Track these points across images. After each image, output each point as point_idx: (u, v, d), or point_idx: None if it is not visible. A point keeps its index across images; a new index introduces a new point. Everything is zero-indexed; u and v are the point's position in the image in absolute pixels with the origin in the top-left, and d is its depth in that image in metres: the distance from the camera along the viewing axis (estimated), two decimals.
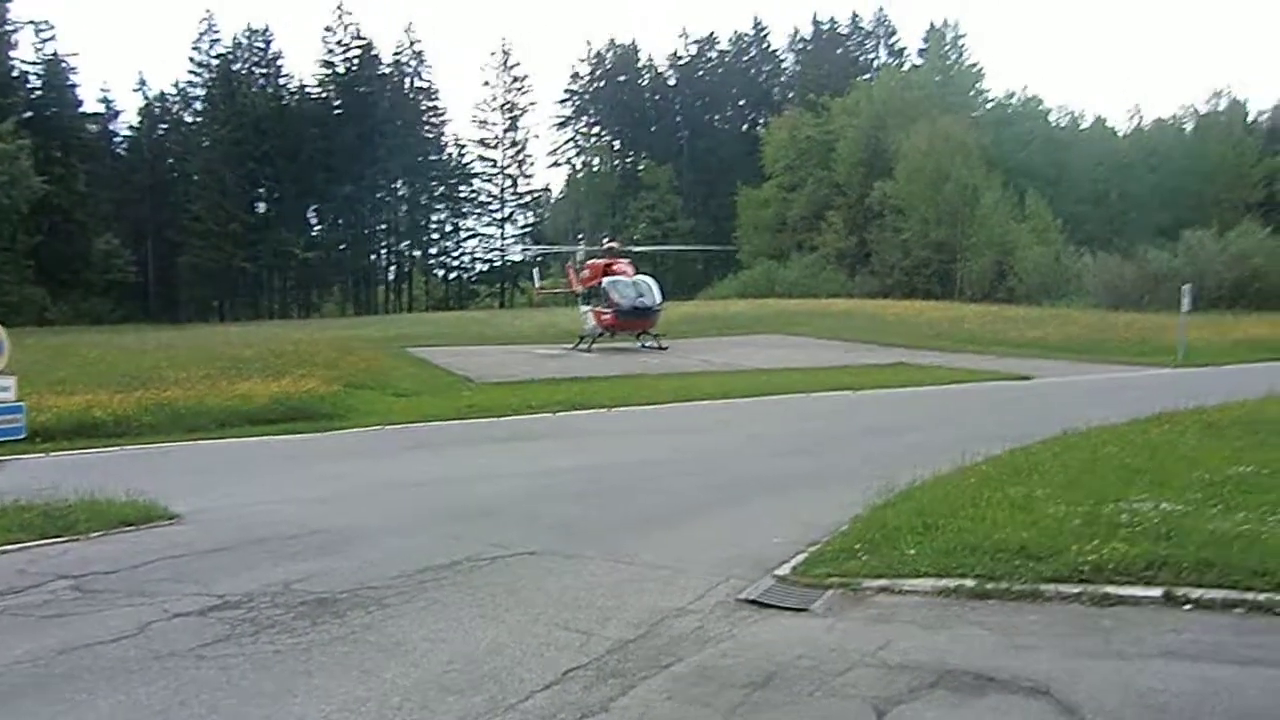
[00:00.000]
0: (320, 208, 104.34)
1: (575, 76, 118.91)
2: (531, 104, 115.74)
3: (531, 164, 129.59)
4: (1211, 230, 62.02)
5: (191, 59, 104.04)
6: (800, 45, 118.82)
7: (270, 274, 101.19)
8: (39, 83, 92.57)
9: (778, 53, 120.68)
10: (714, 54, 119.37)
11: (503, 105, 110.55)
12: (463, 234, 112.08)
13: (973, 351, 42.20)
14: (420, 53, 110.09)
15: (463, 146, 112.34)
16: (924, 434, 19.81)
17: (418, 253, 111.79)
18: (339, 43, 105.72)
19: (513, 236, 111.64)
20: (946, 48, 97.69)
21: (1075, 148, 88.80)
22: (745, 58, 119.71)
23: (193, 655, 7.76)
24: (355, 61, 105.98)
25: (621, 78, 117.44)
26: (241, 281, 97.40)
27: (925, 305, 63.13)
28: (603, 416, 25.07)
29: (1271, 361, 35.58)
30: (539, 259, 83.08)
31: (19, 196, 72.68)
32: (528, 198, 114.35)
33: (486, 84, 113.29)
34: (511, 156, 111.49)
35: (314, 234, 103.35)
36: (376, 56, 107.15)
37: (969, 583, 8.67)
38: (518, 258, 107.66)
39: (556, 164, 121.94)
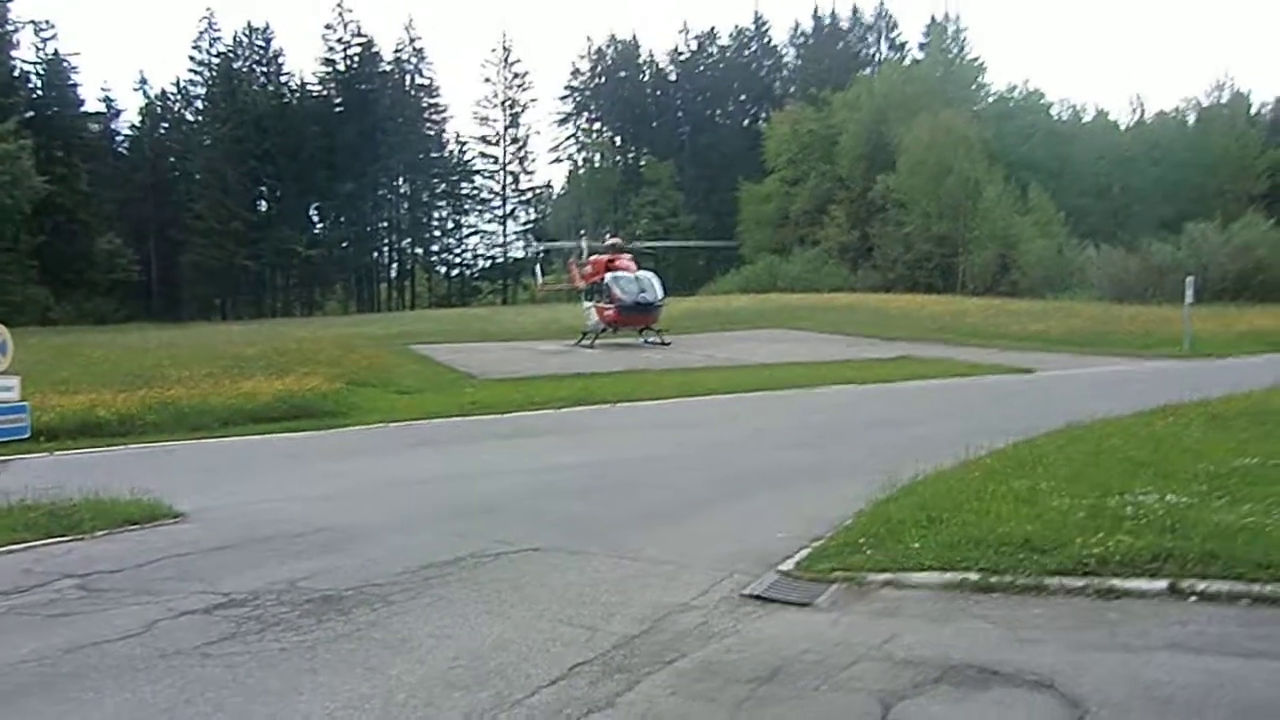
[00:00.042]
0: (322, 205, 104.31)
1: (576, 73, 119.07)
2: (532, 100, 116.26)
3: (533, 160, 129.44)
4: (1215, 222, 61.94)
5: (192, 58, 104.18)
6: (801, 40, 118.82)
7: (273, 272, 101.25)
8: (40, 82, 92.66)
9: (779, 47, 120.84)
10: (715, 49, 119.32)
11: (504, 102, 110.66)
12: (464, 231, 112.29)
13: (976, 345, 42.17)
14: (421, 50, 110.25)
15: (464, 143, 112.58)
16: (927, 427, 19.80)
17: (420, 250, 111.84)
18: (339, 40, 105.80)
19: (514, 233, 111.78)
20: (948, 41, 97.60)
21: (1077, 141, 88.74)
22: (746, 53, 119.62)
23: (198, 653, 7.77)
24: (356, 59, 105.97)
25: (622, 74, 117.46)
26: (244, 280, 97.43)
27: (928, 299, 63.13)
28: (606, 412, 25.09)
29: (1276, 353, 35.58)
30: (541, 254, 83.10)
31: (21, 196, 72.66)
32: (529, 194, 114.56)
33: (487, 81, 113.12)
34: (513, 153, 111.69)
35: (316, 232, 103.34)
36: (377, 54, 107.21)
37: (973, 576, 8.67)
38: (520, 254, 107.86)
39: (558, 160, 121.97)
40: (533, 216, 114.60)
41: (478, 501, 13.85)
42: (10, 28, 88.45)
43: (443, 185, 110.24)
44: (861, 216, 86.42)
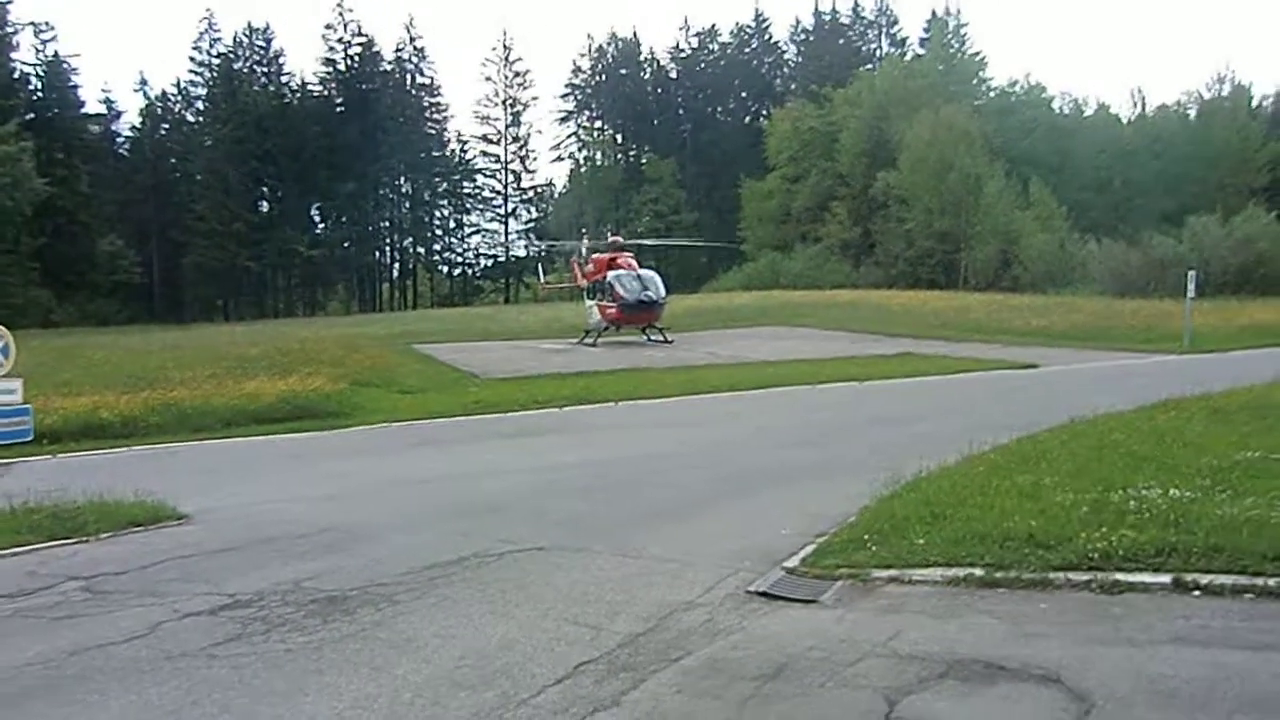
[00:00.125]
0: (323, 205, 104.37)
1: (577, 71, 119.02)
2: (533, 99, 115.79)
3: (534, 159, 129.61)
4: (1216, 216, 61.79)
5: (192, 58, 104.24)
6: (802, 36, 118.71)
7: (275, 273, 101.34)
8: (40, 84, 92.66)
9: (779, 44, 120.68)
10: (715, 46, 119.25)
11: (505, 100, 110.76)
12: (466, 230, 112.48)
13: (978, 340, 42.12)
14: (421, 49, 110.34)
15: (465, 142, 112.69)
16: (931, 424, 19.79)
17: (422, 249, 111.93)
18: (340, 40, 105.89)
19: (516, 232, 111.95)
20: (948, 36, 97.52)
21: (1079, 135, 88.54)
22: (747, 50, 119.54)
23: (204, 655, 7.79)
24: (356, 59, 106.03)
25: (623, 71, 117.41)
26: (246, 280, 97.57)
27: (930, 295, 63.09)
28: (609, 411, 25.08)
29: (1277, 347, 35.48)
30: (543, 253, 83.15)
31: (22, 198, 72.69)
32: (531, 193, 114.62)
33: (488, 79, 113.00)
34: (514, 152, 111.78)
35: (318, 232, 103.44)
36: (378, 53, 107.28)
37: (978, 572, 8.68)
38: (522, 253, 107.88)
39: (559, 159, 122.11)
40: (534, 215, 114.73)
41: (481, 501, 13.85)
42: (10, 29, 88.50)
43: (444, 184, 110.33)
44: (863, 213, 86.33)
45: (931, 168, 76.53)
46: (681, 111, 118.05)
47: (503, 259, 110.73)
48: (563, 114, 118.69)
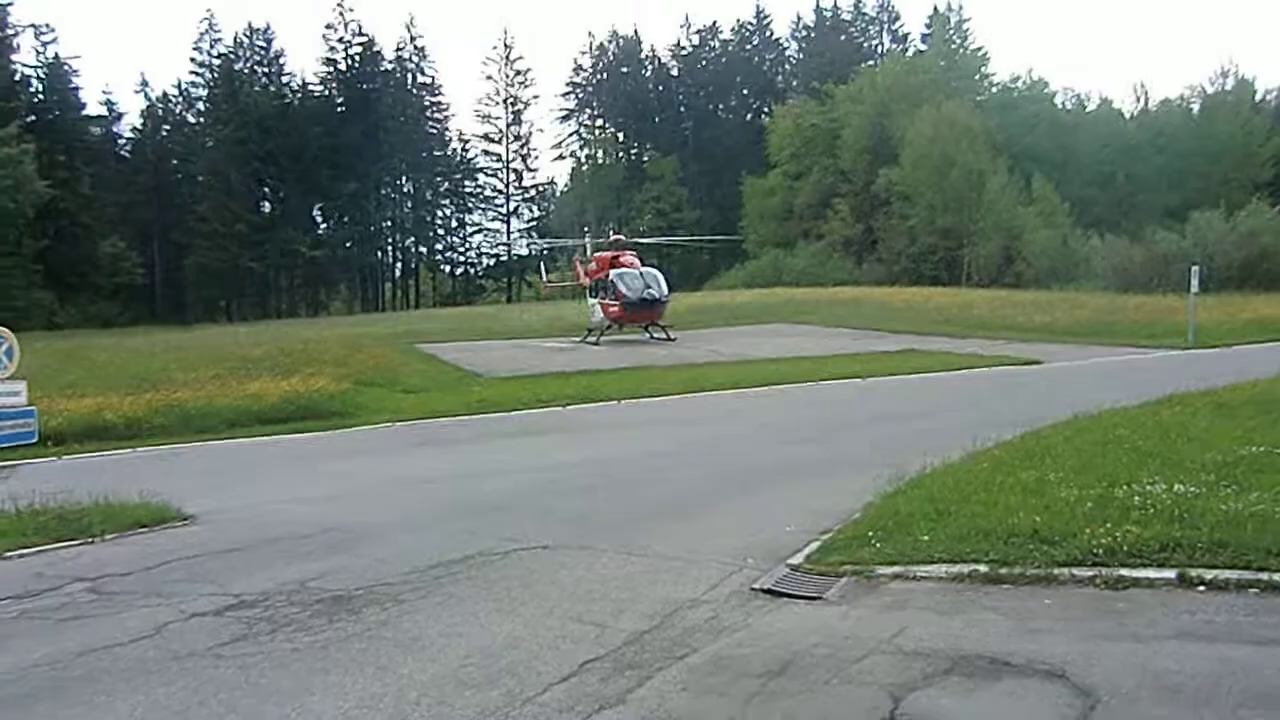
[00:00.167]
0: (325, 206, 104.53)
1: (578, 69, 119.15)
2: (534, 97, 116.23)
3: (536, 158, 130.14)
4: (1220, 210, 61.66)
5: (193, 59, 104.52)
6: (803, 33, 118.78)
7: (277, 273, 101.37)
8: (41, 86, 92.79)
9: (781, 41, 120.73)
10: (717, 43, 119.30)
11: (506, 99, 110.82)
12: (468, 229, 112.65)
13: (981, 337, 42.06)
14: (422, 48, 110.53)
15: (466, 141, 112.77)
16: (934, 420, 19.80)
17: (424, 249, 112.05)
18: (340, 40, 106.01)
19: (518, 231, 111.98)
20: (950, 32, 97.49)
21: (1081, 130, 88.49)
22: (748, 46, 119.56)
23: (210, 655, 7.80)
24: (357, 58, 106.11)
25: (624, 69, 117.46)
26: (249, 281, 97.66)
27: (933, 291, 63.00)
28: (612, 409, 25.11)
29: None
30: (545, 252, 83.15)
31: (23, 200, 72.82)
32: (532, 191, 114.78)
33: (489, 78, 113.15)
34: (515, 150, 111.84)
35: (320, 232, 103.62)
36: (378, 53, 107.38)
37: (982, 568, 8.69)
38: (524, 252, 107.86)
39: (561, 157, 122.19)
40: (536, 214, 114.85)
41: (486, 500, 13.87)
42: (10, 31, 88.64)
43: (446, 184, 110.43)
44: (865, 210, 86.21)
45: (934, 164, 76.44)
46: (683, 109, 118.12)
47: (505, 258, 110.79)
48: (564, 112, 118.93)
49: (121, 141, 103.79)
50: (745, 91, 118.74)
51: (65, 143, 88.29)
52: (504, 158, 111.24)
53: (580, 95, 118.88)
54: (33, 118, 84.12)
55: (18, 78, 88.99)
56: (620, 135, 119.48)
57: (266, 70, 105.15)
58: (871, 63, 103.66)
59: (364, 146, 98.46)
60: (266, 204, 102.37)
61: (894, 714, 6.14)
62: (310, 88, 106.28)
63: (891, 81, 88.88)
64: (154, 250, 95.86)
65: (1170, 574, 8.14)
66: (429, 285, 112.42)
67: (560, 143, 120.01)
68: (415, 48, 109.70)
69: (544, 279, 73.86)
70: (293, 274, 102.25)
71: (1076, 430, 15.02)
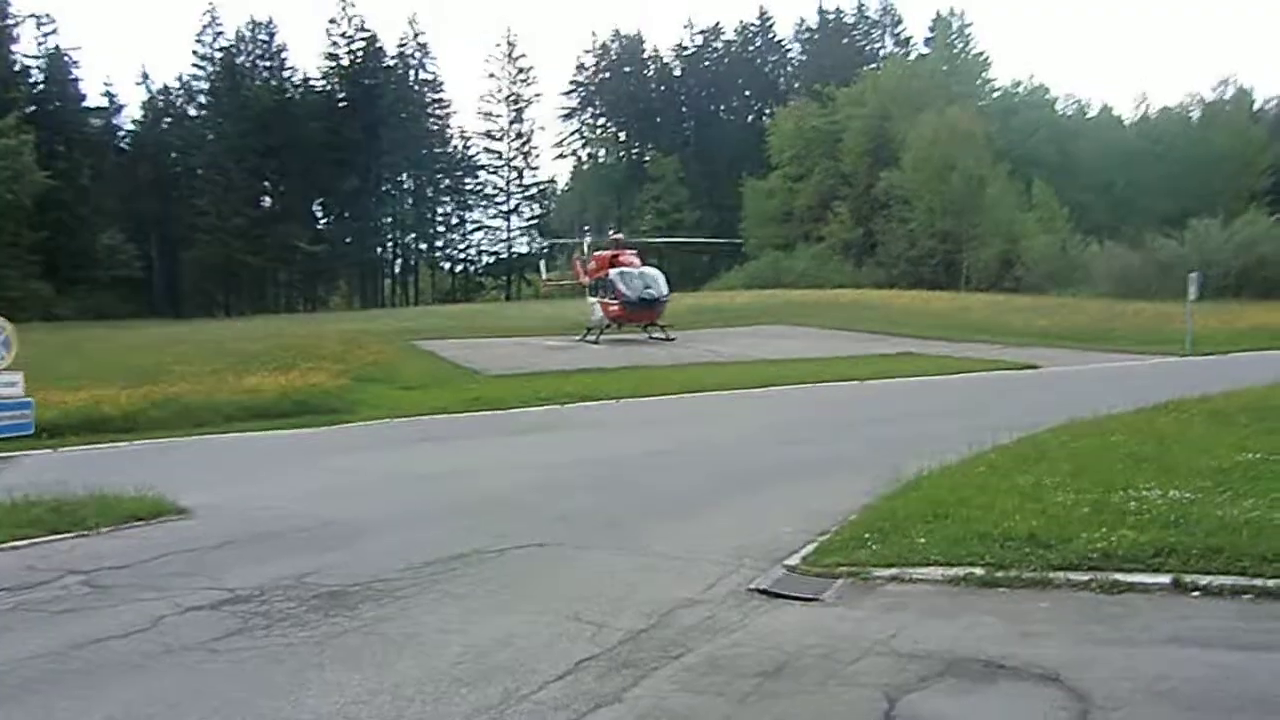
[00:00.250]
0: (325, 201, 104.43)
1: (580, 68, 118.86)
2: (537, 96, 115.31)
3: (537, 156, 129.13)
4: (1218, 218, 61.74)
5: (195, 52, 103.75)
6: (806, 35, 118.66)
7: (276, 268, 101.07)
8: (41, 77, 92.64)
9: (783, 43, 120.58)
10: (719, 44, 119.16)
11: (508, 97, 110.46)
12: (468, 226, 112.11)
13: (980, 341, 42.10)
14: (425, 45, 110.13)
15: (468, 139, 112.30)
16: (932, 423, 19.77)
17: (424, 245, 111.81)
18: (343, 35, 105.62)
19: (518, 229, 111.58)
20: (952, 37, 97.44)
21: (1081, 137, 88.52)
22: (751, 48, 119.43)
23: (205, 649, 7.80)
24: (359, 54, 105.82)
25: (627, 69, 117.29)
26: (247, 276, 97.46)
27: (932, 295, 63.10)
28: (610, 408, 25.12)
29: (1278, 350, 35.47)
30: (545, 250, 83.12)
31: (22, 191, 72.73)
32: (533, 190, 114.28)
33: (491, 76, 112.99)
34: (517, 148, 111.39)
35: (319, 228, 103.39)
36: (381, 49, 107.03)
37: (978, 571, 8.70)
38: (524, 250, 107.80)
39: (562, 156, 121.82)
40: (537, 212, 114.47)
41: (483, 497, 13.89)
42: (11, 22, 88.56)
43: (446, 181, 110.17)
44: (865, 213, 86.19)
45: (934, 168, 76.44)
46: (685, 109, 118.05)
47: (505, 256, 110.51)
48: (566, 111, 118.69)
49: (121, 134, 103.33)
50: (747, 93, 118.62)
51: (65, 134, 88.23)
52: (505, 155, 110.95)
53: (582, 94, 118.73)
54: (33, 108, 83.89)
55: (18, 68, 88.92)
56: (622, 135, 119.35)
57: (268, 65, 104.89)
58: (874, 66, 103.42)
59: (365, 142, 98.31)
60: (266, 199, 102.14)
61: (889, 716, 6.15)
62: (312, 83, 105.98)
63: (893, 85, 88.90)
64: (152, 243, 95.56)
65: (1165, 579, 8.16)
66: (428, 282, 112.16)
67: (562, 141, 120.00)
68: (418, 44, 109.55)
69: (544, 277, 73.87)
70: (291, 269, 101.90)
71: (1073, 435, 15.02)
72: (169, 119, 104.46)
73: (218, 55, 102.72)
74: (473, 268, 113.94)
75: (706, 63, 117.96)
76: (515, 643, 7.70)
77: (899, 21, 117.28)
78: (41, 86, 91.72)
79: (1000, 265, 72.48)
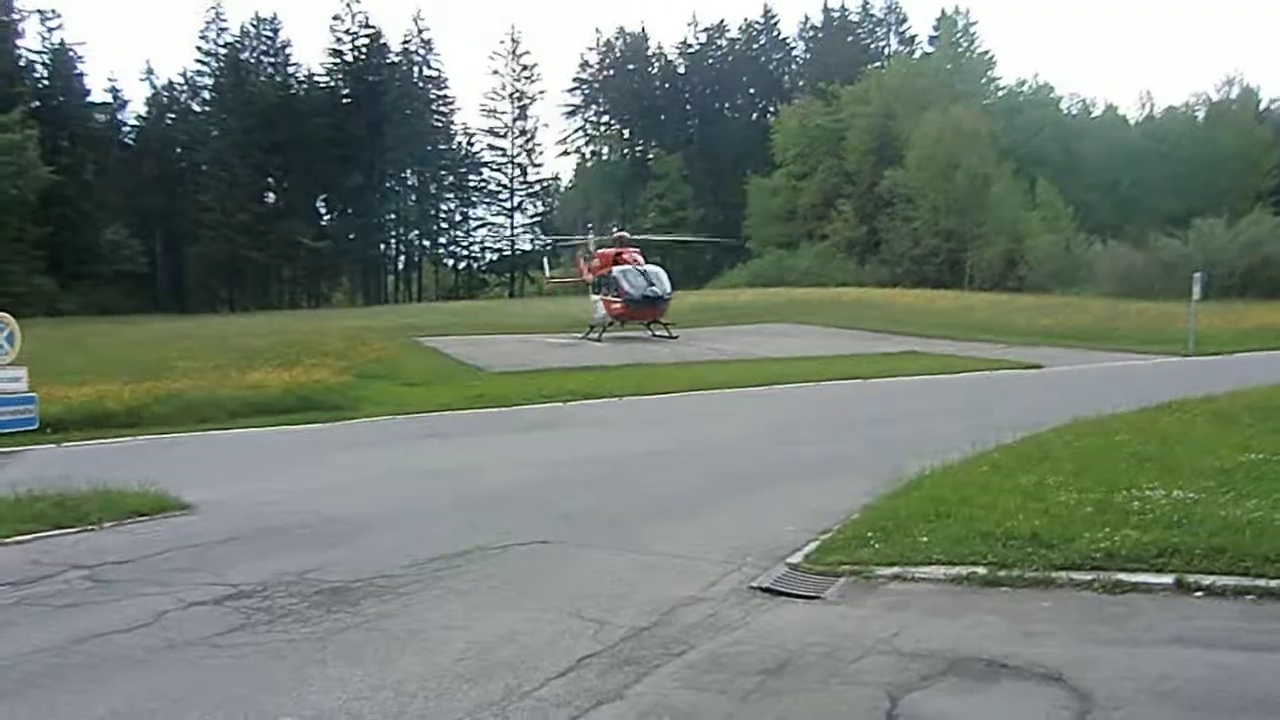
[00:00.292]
0: (329, 197, 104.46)
1: (585, 65, 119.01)
2: (540, 93, 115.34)
3: (541, 153, 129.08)
4: (1223, 218, 61.67)
5: (199, 48, 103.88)
6: (811, 33, 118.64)
7: (279, 264, 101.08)
8: (46, 72, 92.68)
9: (788, 41, 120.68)
10: (724, 42, 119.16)
11: (512, 94, 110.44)
12: (472, 223, 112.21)
13: (983, 340, 42.10)
14: (429, 41, 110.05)
15: (472, 135, 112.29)
16: (934, 422, 19.76)
17: (427, 242, 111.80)
18: (347, 31, 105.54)
19: (522, 226, 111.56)
20: (957, 35, 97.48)
21: (1086, 136, 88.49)
22: (755, 46, 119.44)
23: (208, 644, 7.81)
24: (364, 50, 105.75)
25: (631, 66, 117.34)
26: (251, 272, 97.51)
27: (935, 294, 63.10)
28: (613, 405, 25.11)
29: None
30: (549, 247, 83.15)
31: (26, 186, 72.77)
32: (537, 187, 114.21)
33: (495, 73, 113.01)
34: (520, 145, 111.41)
35: (323, 224, 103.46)
36: (385, 45, 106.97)
37: (981, 570, 8.69)
38: (527, 247, 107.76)
39: (566, 153, 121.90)
40: (540, 209, 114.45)
41: (486, 494, 13.89)
42: (16, 16, 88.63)
43: (450, 177, 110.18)
44: (869, 211, 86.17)
45: (938, 166, 76.40)
46: (689, 107, 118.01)
47: (508, 253, 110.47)
48: (570, 108, 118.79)
49: (126, 129, 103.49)
50: (751, 91, 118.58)
51: (69, 129, 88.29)
52: (509, 152, 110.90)
53: (586, 91, 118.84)
54: (37, 104, 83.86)
55: (22, 63, 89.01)
56: (626, 132, 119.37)
57: (272, 61, 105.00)
58: (878, 64, 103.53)
59: (369, 139, 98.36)
60: (270, 195, 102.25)
61: (891, 714, 6.15)
62: (316, 79, 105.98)
63: (898, 83, 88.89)
64: (156, 239, 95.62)
65: (1168, 579, 8.15)
66: (431, 279, 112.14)
67: (565, 138, 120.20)
68: (422, 41, 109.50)
69: (547, 275, 73.97)
70: (295, 265, 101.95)
71: (1076, 434, 15.00)
72: (173, 114, 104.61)
73: (222, 51, 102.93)
74: (476, 265, 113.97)
75: (711, 60, 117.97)
76: (518, 639, 7.70)
77: (904, 20, 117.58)
78: (46, 82, 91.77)
79: (1004, 264, 72.43)
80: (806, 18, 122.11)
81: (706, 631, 7.82)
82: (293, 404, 24.53)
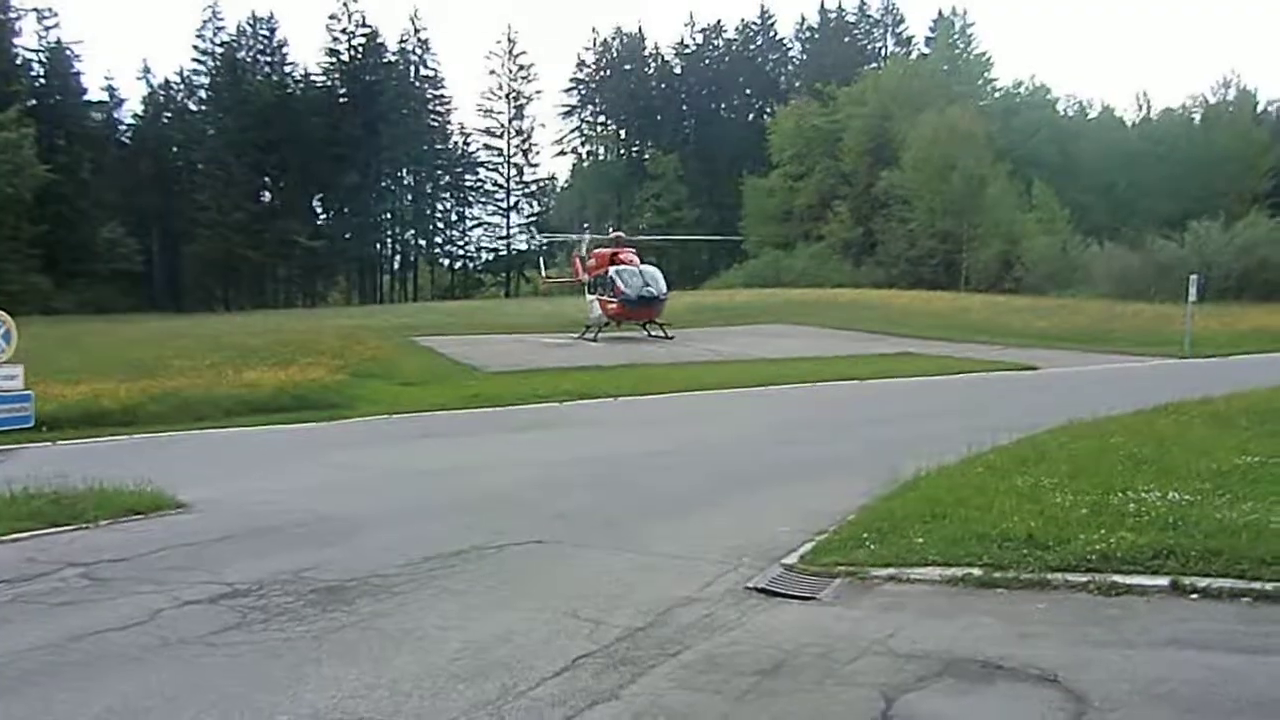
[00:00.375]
0: (325, 197, 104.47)
1: (581, 65, 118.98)
2: (537, 93, 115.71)
3: (537, 153, 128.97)
4: (1219, 220, 61.75)
5: (196, 47, 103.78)
6: (807, 34, 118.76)
7: (275, 263, 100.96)
8: (42, 70, 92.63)
9: (784, 41, 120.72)
10: (720, 43, 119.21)
11: (508, 94, 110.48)
12: (468, 223, 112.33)
13: (979, 342, 42.17)
14: (425, 41, 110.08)
15: (468, 135, 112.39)
16: (930, 423, 19.77)
17: (423, 242, 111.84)
18: (344, 31, 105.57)
19: (518, 225, 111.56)
20: (954, 36, 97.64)
21: (1083, 137, 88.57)
22: (752, 46, 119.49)
23: (203, 643, 7.80)
24: (360, 50, 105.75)
25: (627, 66, 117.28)
26: (246, 270, 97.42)
27: (931, 295, 63.14)
28: (609, 406, 25.11)
29: (1278, 353, 35.50)
30: (545, 247, 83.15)
31: (22, 185, 72.76)
32: (533, 186, 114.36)
33: (492, 73, 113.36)
34: (517, 145, 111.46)
35: (319, 223, 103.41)
36: (382, 45, 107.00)
37: (976, 572, 8.69)
38: (523, 247, 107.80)
39: (562, 153, 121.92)
40: (536, 209, 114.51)
41: (481, 494, 13.89)
42: (13, 15, 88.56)
43: (446, 177, 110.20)
44: (865, 212, 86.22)
45: (934, 168, 76.45)
46: (685, 107, 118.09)
47: (504, 252, 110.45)
48: (566, 108, 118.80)
49: (122, 128, 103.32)
50: (748, 91, 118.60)
51: (66, 128, 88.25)
52: (505, 152, 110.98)
53: (583, 91, 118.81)
54: (33, 102, 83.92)
55: (19, 61, 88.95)
56: (622, 132, 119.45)
57: (269, 60, 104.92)
58: (875, 65, 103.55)
59: (365, 138, 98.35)
60: (266, 194, 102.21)
61: (886, 715, 6.15)
62: (312, 78, 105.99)
63: (894, 84, 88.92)
64: (152, 237, 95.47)
65: (1164, 581, 8.15)
66: (427, 278, 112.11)
67: (562, 138, 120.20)
68: (418, 40, 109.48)
69: (543, 274, 73.95)
70: (291, 264, 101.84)
71: (1072, 436, 15.02)
72: (169, 113, 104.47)
73: (218, 50, 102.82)
74: (472, 264, 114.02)
75: (707, 61, 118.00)
76: (513, 639, 7.69)
77: (900, 21, 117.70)
78: (43, 80, 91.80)
79: (1000, 266, 72.51)
80: (803, 18, 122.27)
81: (702, 632, 7.81)
82: (288, 403, 24.54)
